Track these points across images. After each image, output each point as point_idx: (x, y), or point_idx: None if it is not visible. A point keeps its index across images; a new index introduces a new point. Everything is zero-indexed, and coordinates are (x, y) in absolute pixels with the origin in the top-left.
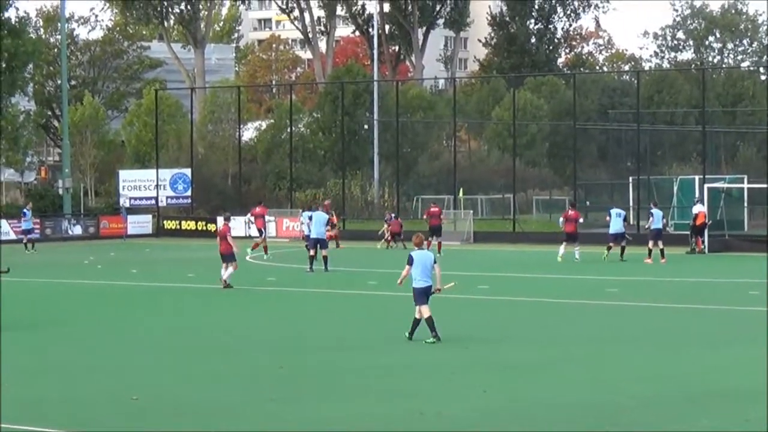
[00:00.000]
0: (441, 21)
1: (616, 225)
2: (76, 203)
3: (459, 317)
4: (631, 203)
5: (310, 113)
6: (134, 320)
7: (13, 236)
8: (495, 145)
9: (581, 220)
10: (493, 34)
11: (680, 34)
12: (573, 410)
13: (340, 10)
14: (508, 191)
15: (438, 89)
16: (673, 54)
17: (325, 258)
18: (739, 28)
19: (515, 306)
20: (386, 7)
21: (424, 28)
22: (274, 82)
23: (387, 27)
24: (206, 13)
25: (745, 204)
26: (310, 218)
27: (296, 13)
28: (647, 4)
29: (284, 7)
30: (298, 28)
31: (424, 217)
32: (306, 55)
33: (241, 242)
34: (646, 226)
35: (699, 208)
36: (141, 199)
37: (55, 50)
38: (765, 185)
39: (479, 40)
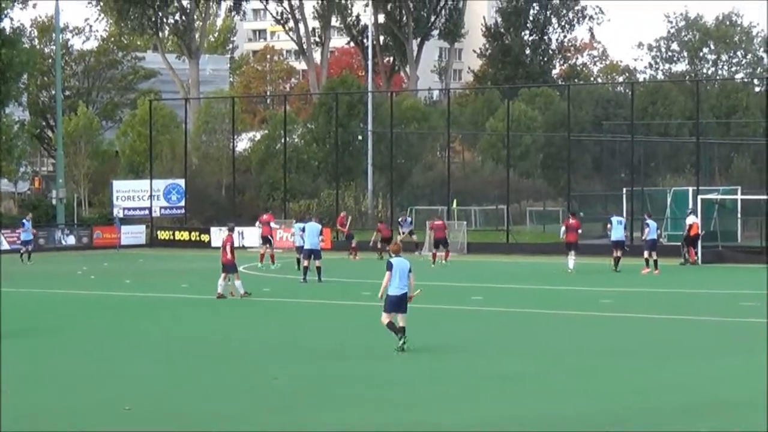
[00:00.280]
0: (435, 32)
1: (617, 233)
2: (69, 213)
3: (453, 328)
4: (624, 214)
5: (305, 124)
6: (128, 330)
7: (6, 246)
8: (489, 156)
9: (580, 231)
10: (487, 45)
11: (674, 46)
12: (568, 421)
13: (334, 21)
14: (502, 202)
15: (432, 100)
16: (667, 65)
17: (318, 269)
18: (734, 40)
19: (509, 317)
20: (381, 18)
21: (419, 39)
22: (268, 93)
23: (381, 38)
24: (201, 23)
25: (739, 215)
26: (303, 229)
27: (291, 24)
28: (642, 15)
29: (279, 18)
30: (292, 39)
31: (429, 230)
32: (300, 65)
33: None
34: (642, 237)
35: (692, 219)
36: (135, 209)
37: (50, 60)
38: (759, 197)
39: (474, 51)
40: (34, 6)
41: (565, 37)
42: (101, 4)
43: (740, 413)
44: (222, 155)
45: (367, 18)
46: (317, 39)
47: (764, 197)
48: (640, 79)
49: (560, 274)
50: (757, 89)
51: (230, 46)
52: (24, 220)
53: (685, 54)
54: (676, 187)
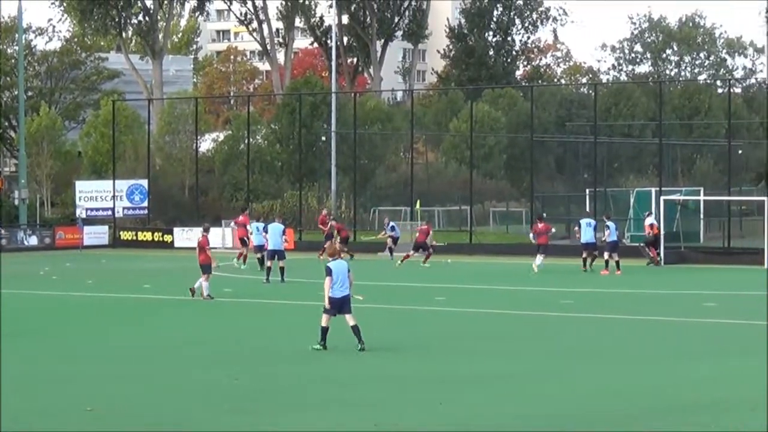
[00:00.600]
0: (399, 33)
1: (587, 235)
2: (32, 214)
3: (416, 329)
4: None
5: (268, 125)
6: (89, 331)
7: None
8: (452, 157)
9: (553, 230)
10: (451, 47)
11: (638, 47)
12: (532, 420)
13: (298, 22)
14: (465, 203)
15: (396, 101)
16: (630, 67)
17: (281, 269)
18: (697, 42)
19: (472, 318)
20: (345, 19)
21: (383, 40)
22: (232, 94)
23: (345, 39)
24: (164, 24)
25: (701, 216)
26: (264, 229)
27: (255, 24)
28: (605, 17)
29: (243, 18)
30: (256, 39)
31: (415, 233)
32: (264, 66)
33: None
34: (603, 239)
35: (650, 221)
36: (97, 209)
37: (12, 61)
38: (721, 198)
39: (438, 52)
40: None
41: (528, 38)
42: (65, 4)
43: (715, 413)
44: (185, 156)
45: (330, 19)
46: (281, 40)
47: (727, 198)
48: (604, 80)
49: (523, 274)
50: (719, 91)
51: (194, 46)
52: None
53: (649, 55)
54: (639, 187)
